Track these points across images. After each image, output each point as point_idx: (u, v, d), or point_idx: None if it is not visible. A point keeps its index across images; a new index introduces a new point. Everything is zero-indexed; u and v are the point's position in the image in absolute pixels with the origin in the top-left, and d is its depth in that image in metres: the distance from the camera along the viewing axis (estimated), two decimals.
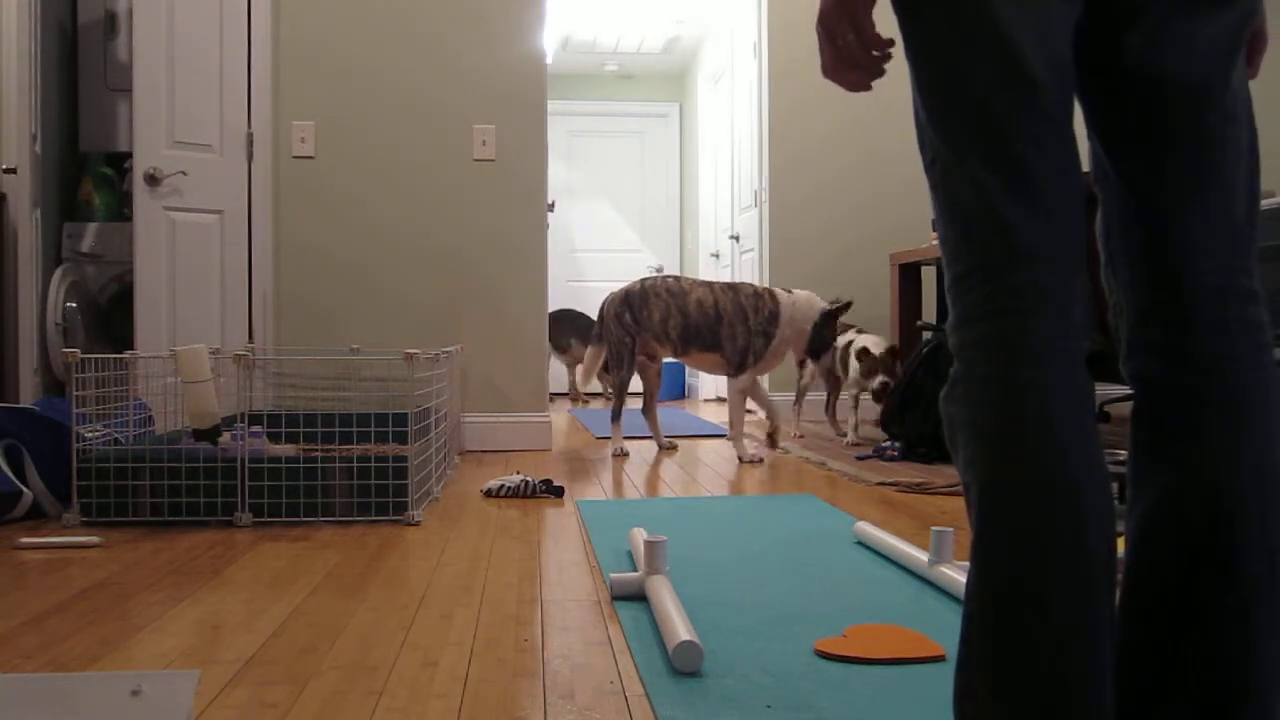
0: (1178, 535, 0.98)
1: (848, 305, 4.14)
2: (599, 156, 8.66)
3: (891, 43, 1.01)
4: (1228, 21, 0.98)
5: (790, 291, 4.18)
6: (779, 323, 4.12)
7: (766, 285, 4.26)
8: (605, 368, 4.37)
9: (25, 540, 2.53)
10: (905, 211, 5.72)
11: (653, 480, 3.61)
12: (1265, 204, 3.04)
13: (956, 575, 2.00)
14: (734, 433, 4.14)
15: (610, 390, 4.50)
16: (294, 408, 4.13)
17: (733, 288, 4.18)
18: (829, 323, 4.13)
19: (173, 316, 3.97)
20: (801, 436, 4.82)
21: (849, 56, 1.00)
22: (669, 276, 4.28)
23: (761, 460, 4.06)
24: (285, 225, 4.41)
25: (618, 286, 8.63)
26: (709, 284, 4.21)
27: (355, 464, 2.81)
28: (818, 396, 5.44)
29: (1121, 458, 1.55)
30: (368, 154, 4.46)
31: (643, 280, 4.30)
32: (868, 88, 1.03)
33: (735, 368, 4.14)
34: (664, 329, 4.18)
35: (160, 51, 3.93)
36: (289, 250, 4.41)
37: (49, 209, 4.34)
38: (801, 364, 4.26)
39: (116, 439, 3.02)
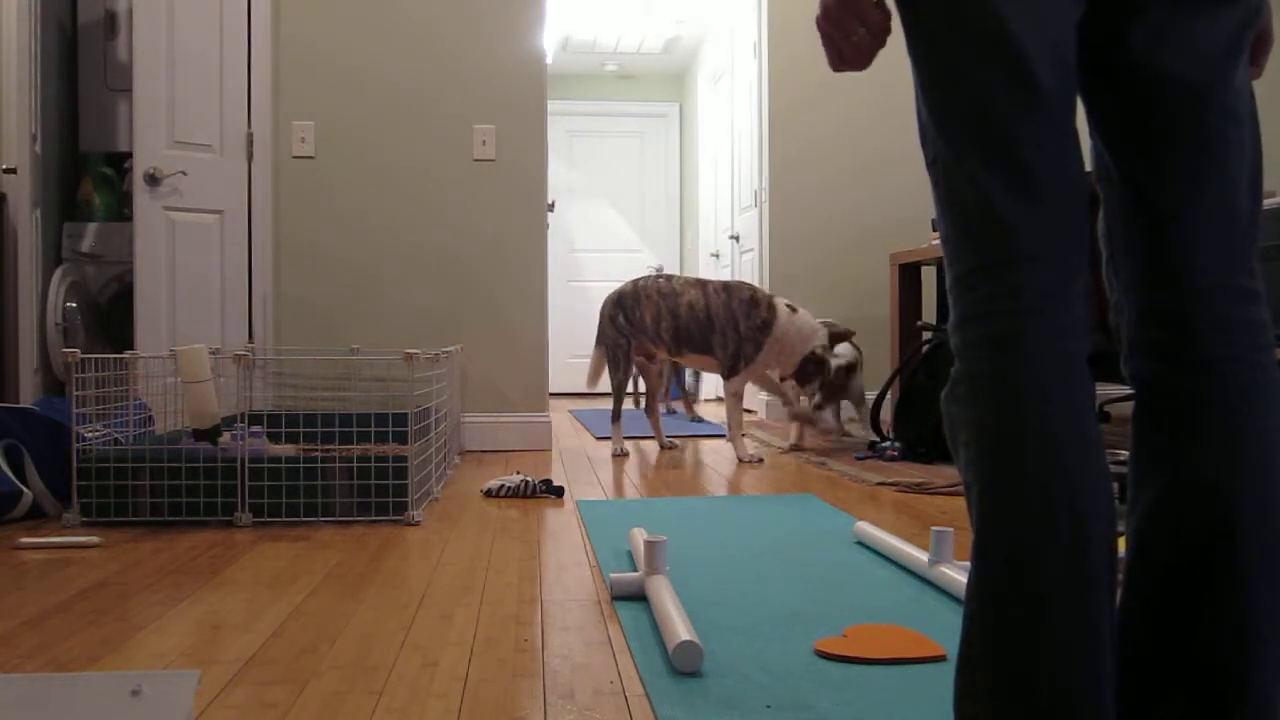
0: (1178, 535, 0.98)
1: (827, 350, 4.13)
2: (599, 156, 8.66)
3: (886, 9, 1.01)
4: (1231, 21, 0.98)
5: (796, 311, 4.12)
6: (770, 333, 4.08)
7: (772, 294, 4.20)
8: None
9: (25, 540, 2.53)
10: (905, 211, 5.72)
11: (653, 480, 3.61)
12: (1265, 204, 3.04)
13: (956, 575, 2.00)
14: (732, 434, 4.15)
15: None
16: (294, 408, 4.13)
17: (727, 289, 4.14)
18: (814, 361, 4.10)
19: (173, 316, 3.97)
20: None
21: (861, 49, 1.01)
22: (661, 277, 4.26)
23: (761, 460, 4.06)
24: (285, 225, 4.41)
25: (617, 286, 8.63)
26: (703, 285, 4.18)
27: (355, 464, 2.81)
28: None
29: (1122, 458, 1.55)
30: (367, 154, 4.46)
31: (635, 281, 4.30)
32: (870, 63, 1.04)
33: (728, 371, 4.15)
34: (656, 330, 4.18)
35: (160, 51, 3.93)
36: (289, 250, 4.41)
37: (49, 209, 4.34)
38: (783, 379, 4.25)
39: (116, 439, 3.02)
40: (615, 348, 4.26)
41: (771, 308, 4.10)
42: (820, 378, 4.11)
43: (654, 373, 4.50)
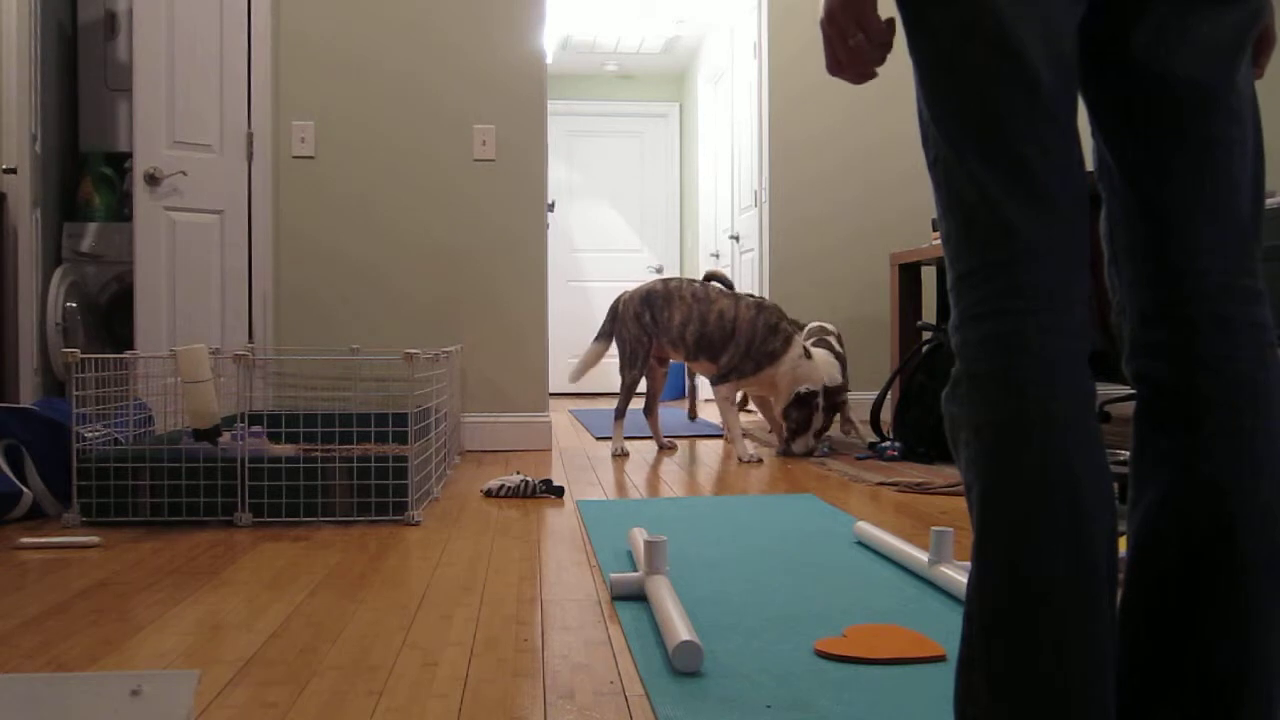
0: (1179, 535, 0.98)
1: (816, 398, 4.13)
2: (599, 156, 8.66)
3: (893, 25, 1.01)
4: (1234, 21, 0.98)
5: (808, 357, 4.11)
6: (774, 365, 4.11)
7: (794, 330, 4.18)
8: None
9: (25, 540, 2.53)
10: (905, 211, 5.72)
11: (653, 480, 3.61)
12: (1266, 204, 3.03)
13: (956, 575, 2.00)
14: (731, 434, 4.15)
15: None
16: (294, 408, 4.13)
17: (760, 308, 4.16)
18: (798, 403, 4.10)
19: (173, 316, 3.97)
20: None
21: (859, 55, 1.00)
22: (692, 281, 4.28)
23: (760, 460, 4.06)
24: (285, 225, 4.41)
25: (617, 286, 8.61)
26: (736, 297, 4.19)
27: (355, 464, 2.81)
28: None
29: (1122, 458, 1.55)
30: (368, 154, 4.46)
31: (665, 280, 4.30)
32: (873, 76, 1.03)
33: (719, 377, 4.16)
34: (681, 333, 4.19)
35: (160, 51, 3.93)
36: (289, 250, 4.41)
37: (49, 209, 4.34)
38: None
39: (116, 439, 3.02)
40: (636, 345, 4.26)
41: (788, 343, 4.12)
42: (801, 422, 4.14)
43: (660, 374, 4.51)
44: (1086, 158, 1.01)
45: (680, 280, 4.29)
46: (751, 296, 4.23)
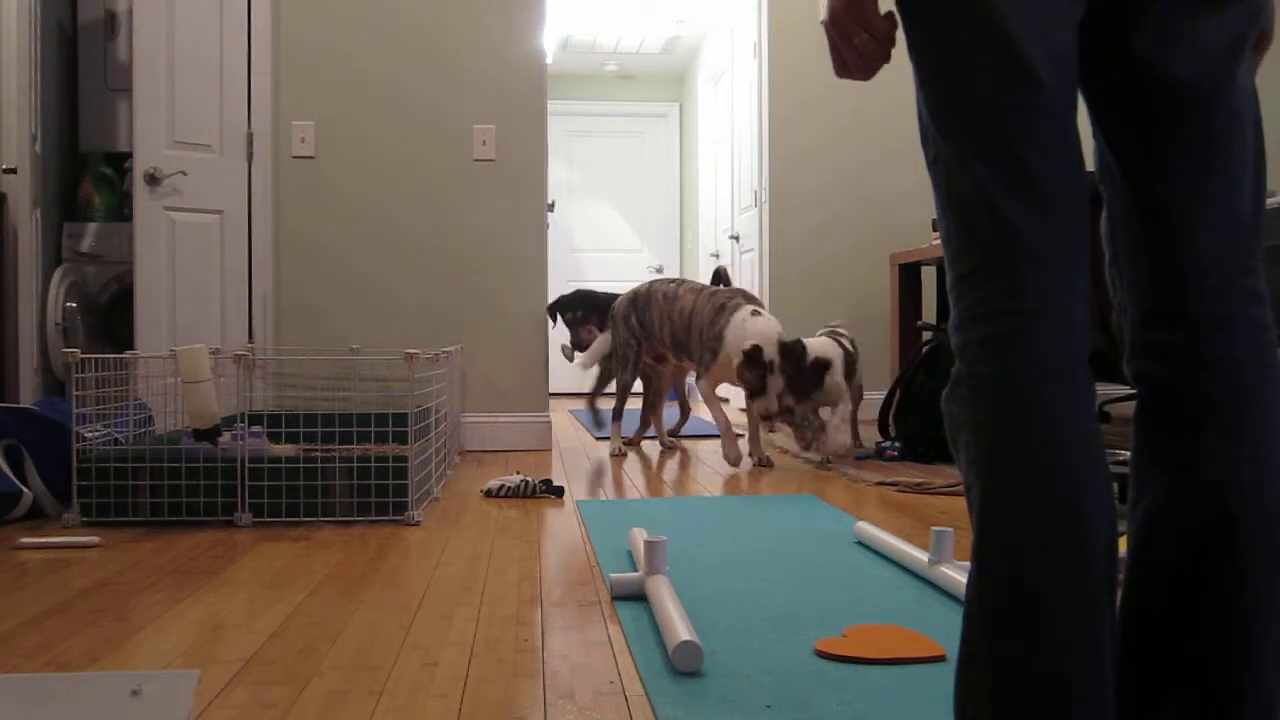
0: (1180, 535, 0.98)
1: (761, 351, 3.74)
2: (599, 156, 8.66)
3: (894, 19, 1.01)
4: (1234, 20, 0.98)
5: (748, 317, 3.81)
6: (723, 344, 3.87)
7: (744, 301, 3.93)
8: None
9: (25, 540, 2.53)
10: (906, 212, 5.72)
11: (653, 480, 3.61)
12: (1267, 204, 3.03)
13: (956, 575, 2.00)
14: (722, 435, 3.93)
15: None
16: (294, 408, 4.13)
17: (712, 296, 4.02)
18: (745, 361, 3.73)
19: (173, 316, 3.97)
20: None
21: (865, 55, 1.00)
22: (670, 281, 4.25)
23: (758, 461, 4.04)
24: (285, 225, 4.41)
25: (617, 286, 8.61)
26: (698, 291, 4.12)
27: (355, 464, 2.81)
28: None
29: (1122, 458, 1.55)
30: (368, 154, 4.46)
31: (650, 283, 4.30)
32: (874, 74, 1.03)
33: (698, 376, 4.06)
34: (662, 334, 4.18)
35: (160, 51, 3.92)
36: (289, 250, 4.41)
37: (49, 209, 4.34)
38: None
39: (116, 439, 3.02)
40: (626, 348, 4.26)
41: (730, 314, 3.88)
42: (754, 382, 3.74)
43: (665, 375, 4.50)
44: (1087, 158, 1.01)
45: (660, 281, 4.27)
46: (710, 287, 4.14)
